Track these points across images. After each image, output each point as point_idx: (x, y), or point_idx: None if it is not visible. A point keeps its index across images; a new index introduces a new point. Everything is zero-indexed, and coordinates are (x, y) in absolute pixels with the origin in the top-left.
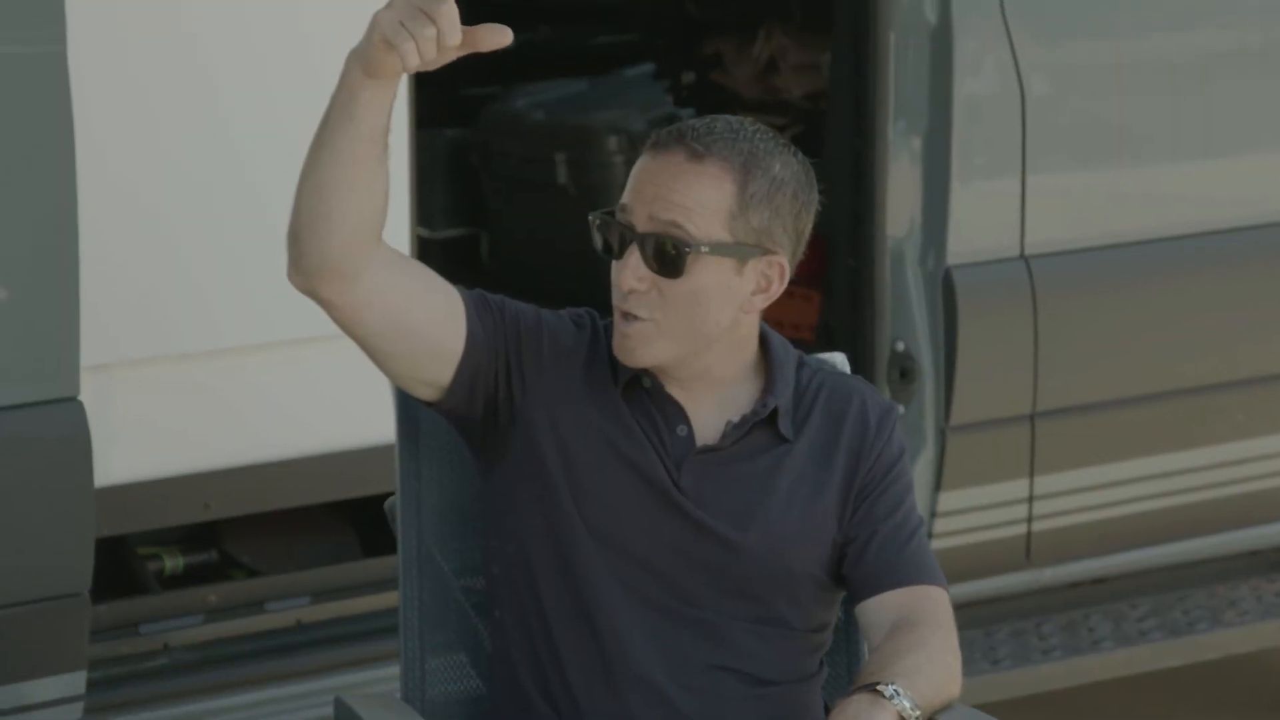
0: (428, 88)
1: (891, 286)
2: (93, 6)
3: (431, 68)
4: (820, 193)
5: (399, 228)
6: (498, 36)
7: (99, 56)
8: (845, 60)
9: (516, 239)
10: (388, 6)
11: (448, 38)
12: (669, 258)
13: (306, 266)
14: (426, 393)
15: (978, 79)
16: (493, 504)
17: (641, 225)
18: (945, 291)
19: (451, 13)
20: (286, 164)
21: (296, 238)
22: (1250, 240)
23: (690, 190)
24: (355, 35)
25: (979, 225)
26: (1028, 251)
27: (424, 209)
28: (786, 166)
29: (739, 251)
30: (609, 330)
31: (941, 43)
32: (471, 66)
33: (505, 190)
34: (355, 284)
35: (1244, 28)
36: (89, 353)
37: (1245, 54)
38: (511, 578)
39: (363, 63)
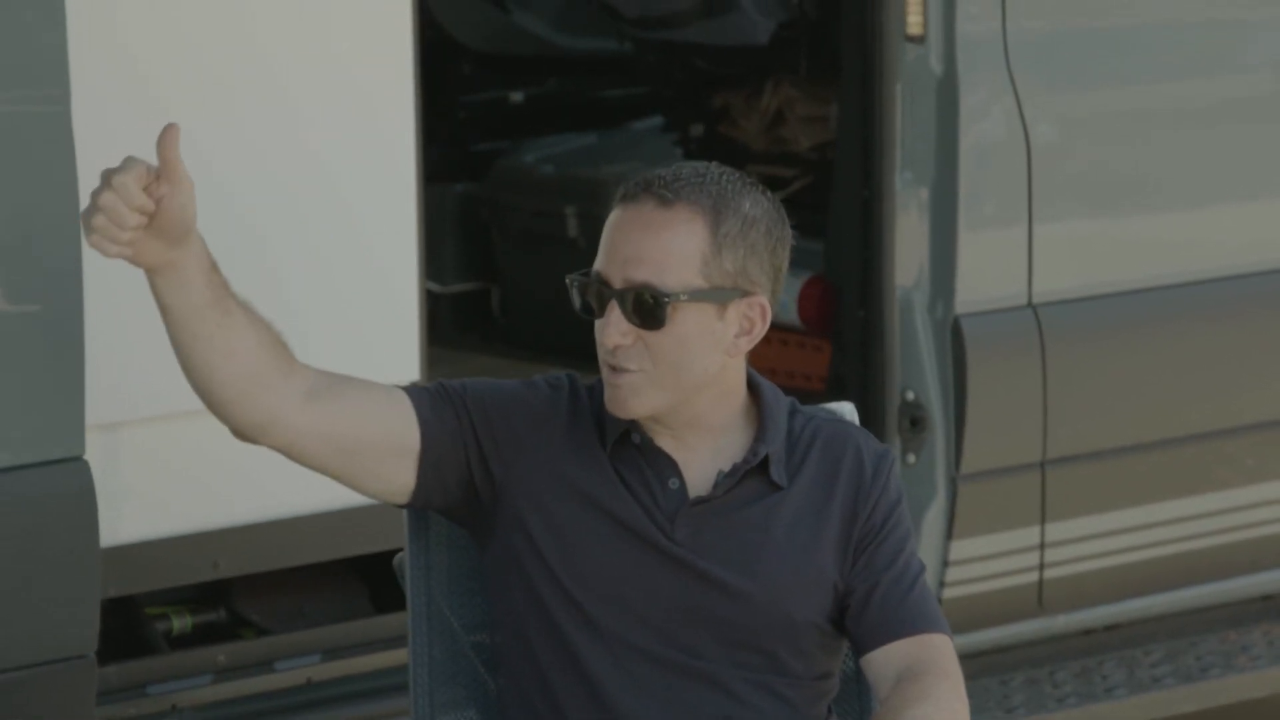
0: (437, 143)
1: (901, 336)
2: (97, 63)
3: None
4: (828, 244)
5: (409, 282)
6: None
7: (103, 112)
8: (852, 112)
9: (527, 293)
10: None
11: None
12: (648, 310)
13: (231, 429)
14: (398, 497)
15: (984, 128)
16: (490, 577)
17: (617, 282)
18: (954, 340)
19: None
20: (301, 221)
21: (217, 412)
22: (1258, 286)
23: (660, 239)
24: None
25: (987, 274)
26: (1035, 300)
27: (434, 264)
28: (756, 204)
29: (717, 296)
30: (592, 391)
31: (947, 93)
32: (480, 122)
33: (515, 244)
34: (286, 427)
35: (1248, 75)
36: (94, 412)
37: (1249, 101)
38: (512, 646)
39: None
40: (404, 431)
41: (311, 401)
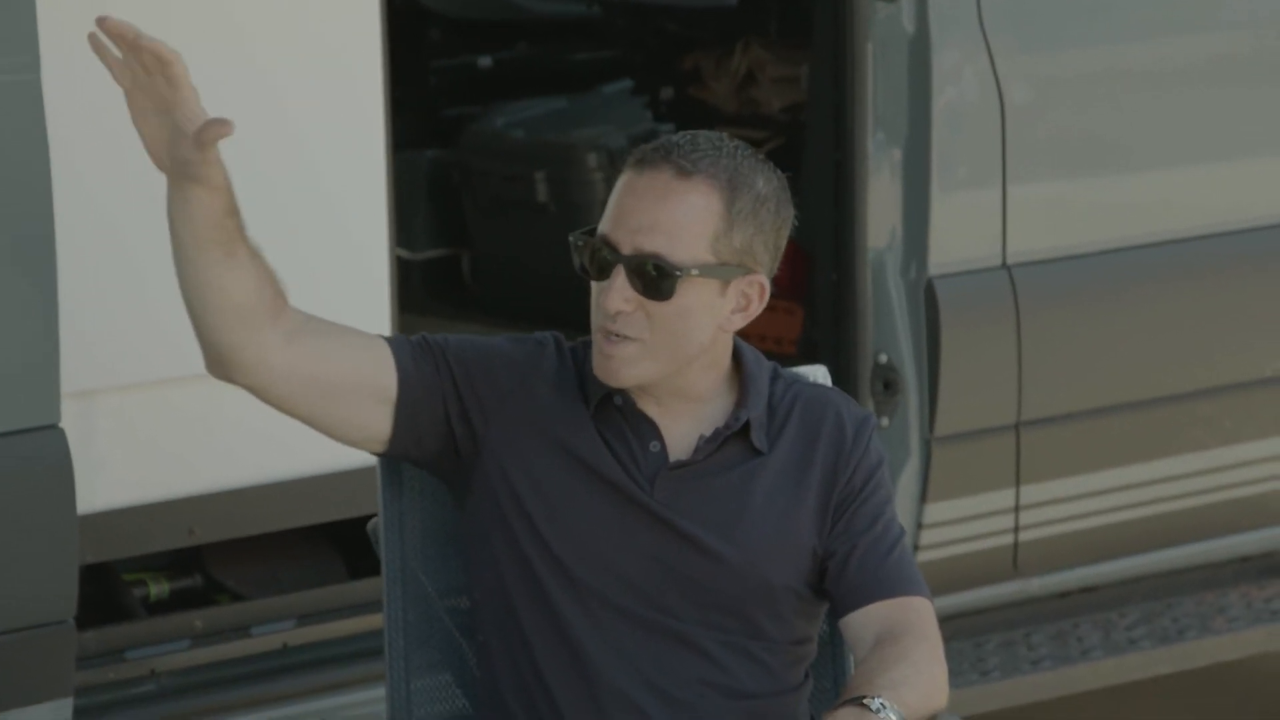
0: (407, 109)
1: (873, 298)
2: (66, 30)
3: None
4: (800, 206)
5: (379, 249)
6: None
7: (75, 81)
8: (823, 73)
9: (498, 258)
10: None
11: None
12: (655, 281)
13: (210, 361)
14: (373, 445)
15: (957, 89)
16: (468, 533)
17: (626, 248)
18: (928, 302)
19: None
20: (270, 189)
21: (197, 336)
22: (1232, 245)
23: (678, 210)
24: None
25: (960, 235)
26: (1010, 261)
27: (405, 230)
28: (769, 183)
29: (724, 272)
30: (575, 352)
31: (920, 53)
32: (450, 87)
33: (486, 210)
34: (265, 368)
35: (1224, 35)
36: (69, 379)
37: (1225, 61)
38: (491, 603)
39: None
40: (380, 377)
41: (290, 344)
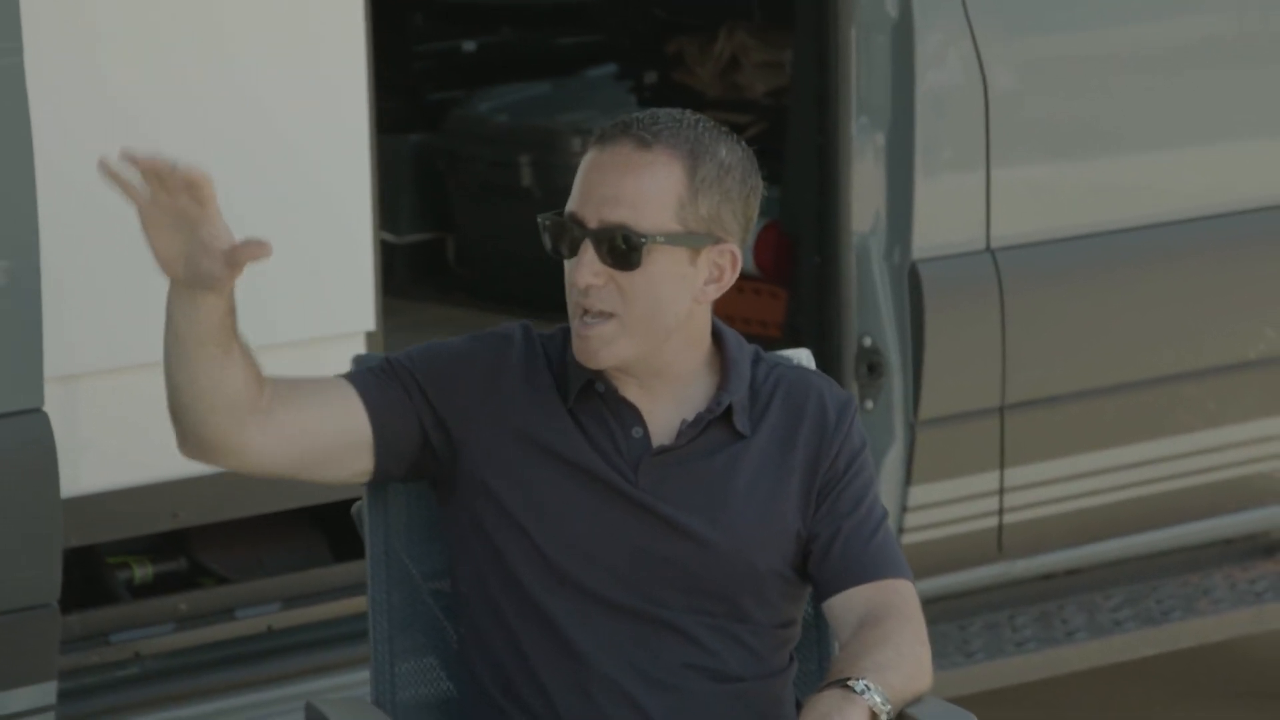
0: (392, 94)
1: (858, 282)
2: (48, 15)
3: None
4: (784, 190)
5: (363, 234)
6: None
7: (59, 63)
8: (807, 57)
9: (483, 242)
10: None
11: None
12: (622, 251)
13: (190, 446)
14: (359, 479)
15: (940, 73)
16: (449, 528)
17: (592, 222)
18: (911, 286)
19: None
20: (254, 174)
21: (176, 420)
22: (1215, 229)
23: (640, 181)
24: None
25: (944, 219)
26: (994, 244)
27: (389, 214)
28: (732, 152)
29: (691, 240)
30: (549, 340)
31: (903, 37)
32: (435, 71)
33: (470, 194)
34: (246, 452)
35: (1206, 18)
36: (53, 363)
37: (1208, 44)
38: (474, 595)
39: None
40: (355, 429)
41: (268, 423)
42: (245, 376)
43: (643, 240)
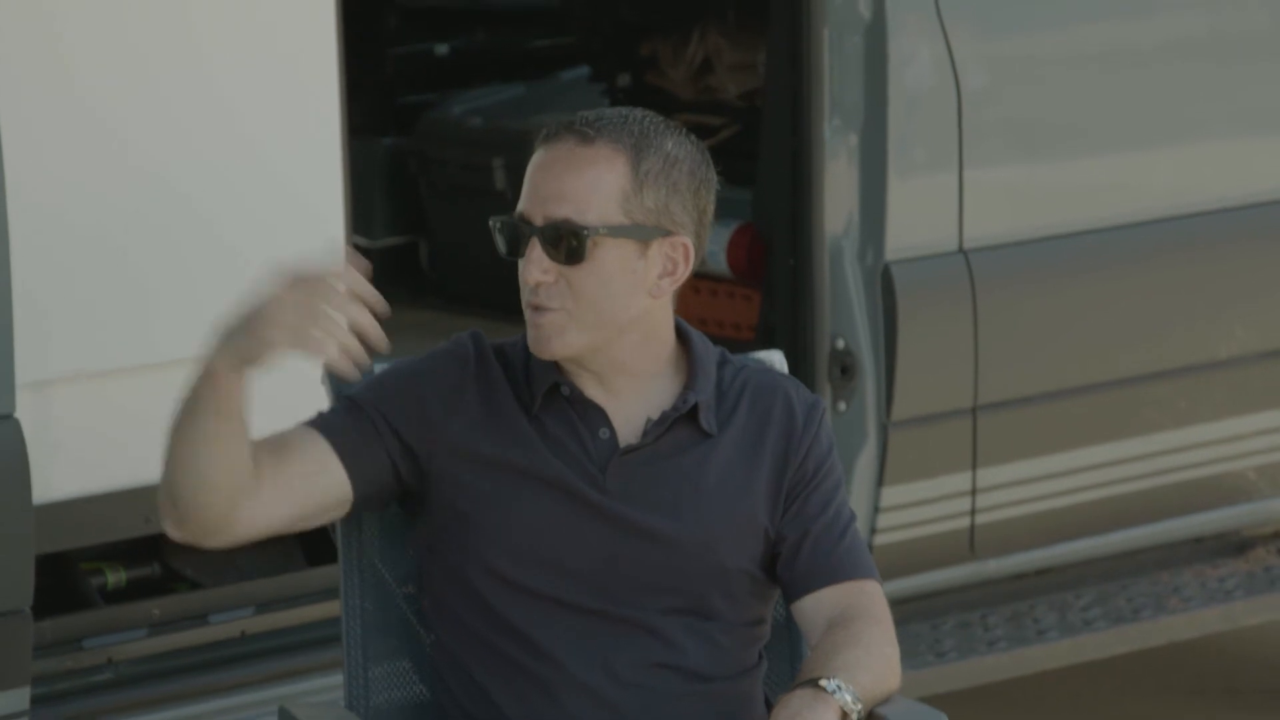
0: (364, 96)
1: (831, 284)
2: (11, 19)
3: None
4: (757, 192)
5: (336, 238)
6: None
7: (20, 68)
8: (780, 58)
9: (455, 246)
10: (269, 310)
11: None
12: (568, 245)
13: (188, 528)
14: (346, 514)
15: (913, 74)
16: (414, 543)
17: (538, 219)
18: (884, 287)
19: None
20: (226, 176)
21: (174, 503)
22: (1187, 229)
23: (583, 176)
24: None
25: (917, 220)
26: (966, 245)
27: (362, 218)
28: (679, 146)
29: (638, 233)
30: (506, 350)
31: (876, 39)
32: (407, 74)
33: (443, 197)
34: (234, 529)
35: (1178, 19)
36: (24, 369)
37: (1181, 44)
38: (441, 608)
39: (241, 359)
40: (336, 486)
41: (256, 498)
42: (249, 452)
43: (587, 233)
